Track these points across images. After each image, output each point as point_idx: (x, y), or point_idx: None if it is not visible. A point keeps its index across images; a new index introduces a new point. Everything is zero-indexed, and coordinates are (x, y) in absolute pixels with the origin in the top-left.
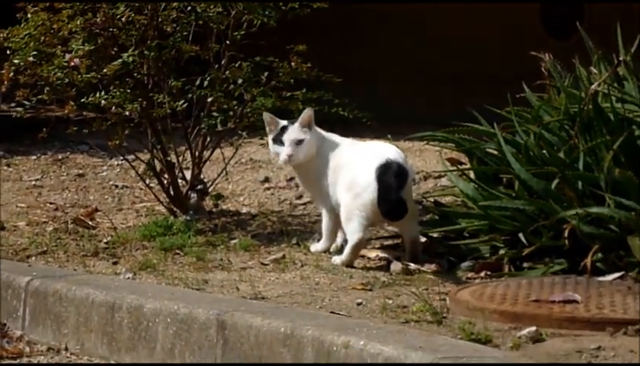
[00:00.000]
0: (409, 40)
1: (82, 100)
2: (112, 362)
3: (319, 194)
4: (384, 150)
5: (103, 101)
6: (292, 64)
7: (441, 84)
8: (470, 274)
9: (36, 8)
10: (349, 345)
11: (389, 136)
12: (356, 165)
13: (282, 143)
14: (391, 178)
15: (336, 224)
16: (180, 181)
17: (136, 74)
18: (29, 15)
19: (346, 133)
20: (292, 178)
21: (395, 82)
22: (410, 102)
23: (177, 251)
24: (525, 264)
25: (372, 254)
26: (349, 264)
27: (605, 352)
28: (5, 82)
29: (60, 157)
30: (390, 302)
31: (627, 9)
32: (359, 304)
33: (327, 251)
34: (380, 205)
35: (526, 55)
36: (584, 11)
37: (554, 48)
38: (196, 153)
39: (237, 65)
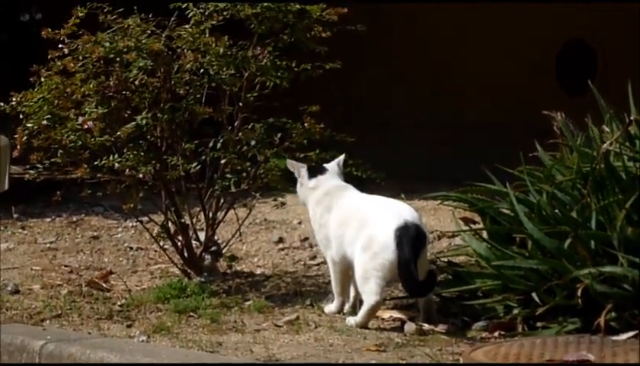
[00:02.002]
0: (421, 92)
1: (96, 162)
2: None
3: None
4: (401, 210)
5: (116, 164)
6: (306, 125)
7: (453, 141)
8: (484, 334)
9: (49, 72)
10: None
11: (403, 195)
12: (372, 223)
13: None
14: (410, 247)
15: (345, 277)
16: (194, 242)
17: (149, 136)
18: (42, 79)
19: (361, 190)
20: (306, 239)
21: (409, 139)
22: (423, 158)
23: (192, 313)
24: (539, 324)
25: (386, 315)
26: (364, 325)
27: None
28: (19, 147)
29: (75, 219)
30: (404, 363)
31: None
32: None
33: (341, 311)
34: (405, 285)
35: (541, 113)
36: (597, 69)
37: (568, 105)
38: (210, 214)
39: (250, 126)
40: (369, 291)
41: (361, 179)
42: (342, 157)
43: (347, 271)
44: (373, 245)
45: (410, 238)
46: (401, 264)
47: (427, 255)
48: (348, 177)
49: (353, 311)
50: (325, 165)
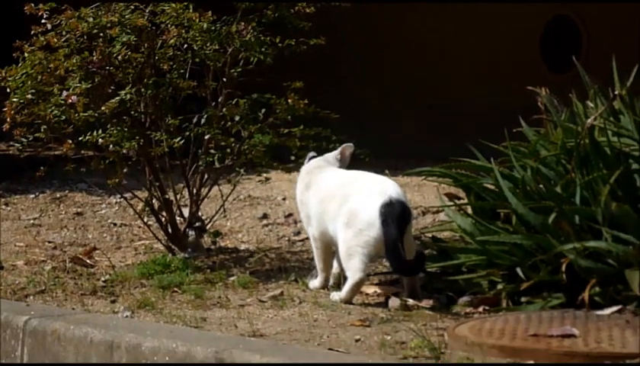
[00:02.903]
0: (405, 73)
1: (80, 138)
2: None
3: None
4: (385, 186)
5: (100, 140)
6: (289, 101)
7: (439, 118)
8: (468, 309)
9: (33, 48)
10: None
11: (387, 171)
12: (355, 199)
13: None
14: (396, 224)
15: (327, 253)
16: (178, 218)
17: (133, 112)
18: (26, 54)
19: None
20: (290, 215)
21: (394, 117)
22: (409, 137)
23: (176, 289)
24: (523, 299)
25: (371, 290)
26: (348, 301)
27: None
28: (9, 119)
29: (59, 195)
30: (388, 338)
31: (625, 42)
32: (357, 341)
33: (325, 286)
34: (393, 264)
35: (525, 89)
36: (582, 45)
37: (553, 82)
38: (194, 191)
39: (234, 102)
40: (354, 268)
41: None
42: (348, 149)
43: (329, 247)
44: (357, 222)
45: (395, 215)
46: (388, 243)
47: (412, 232)
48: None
49: (337, 287)
50: (327, 154)
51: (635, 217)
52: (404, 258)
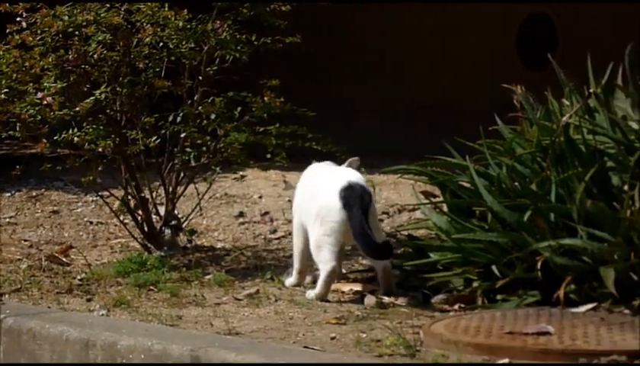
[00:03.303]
0: (382, 72)
1: (55, 137)
2: None
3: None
4: (342, 173)
5: (76, 138)
6: (265, 99)
7: (416, 116)
8: (444, 307)
9: (7, 46)
10: None
11: (363, 169)
12: (319, 192)
13: None
14: (358, 205)
15: (304, 252)
16: (154, 216)
17: (108, 110)
18: (1, 53)
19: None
20: (266, 213)
21: (370, 116)
22: (385, 135)
23: (152, 287)
24: (499, 297)
25: (346, 288)
26: (323, 296)
27: None
28: None
29: (35, 194)
30: (364, 336)
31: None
32: (333, 338)
33: (300, 284)
34: (362, 244)
35: (502, 87)
36: (558, 43)
37: (529, 79)
38: (170, 189)
39: (210, 100)
40: (324, 259)
41: (322, 155)
42: (354, 163)
43: (306, 244)
44: (321, 212)
45: (355, 197)
46: (355, 225)
47: (377, 217)
48: (310, 152)
49: (313, 284)
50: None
51: (610, 215)
52: (374, 240)
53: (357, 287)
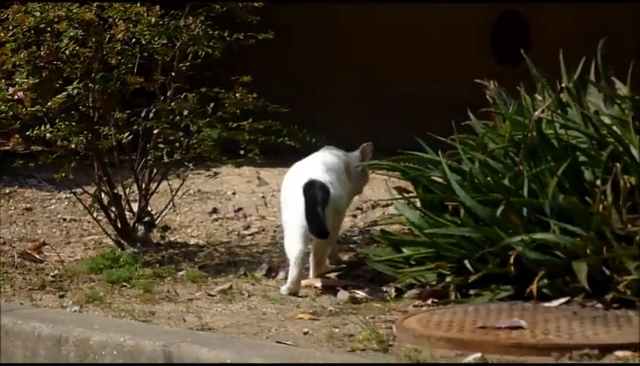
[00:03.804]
0: (356, 67)
1: (27, 133)
2: None
3: None
4: (305, 170)
5: (48, 134)
6: (238, 95)
7: (389, 112)
8: (417, 302)
9: None
10: None
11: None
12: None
13: None
14: (318, 193)
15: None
16: (127, 213)
17: (81, 107)
18: None
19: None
20: (240, 209)
21: (344, 110)
22: (357, 131)
23: (124, 283)
24: (471, 291)
25: (319, 283)
26: (295, 288)
27: None
28: None
29: (8, 191)
30: (337, 331)
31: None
32: (305, 333)
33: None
34: (310, 225)
35: (474, 82)
36: (531, 38)
37: (503, 75)
38: (143, 185)
39: (183, 96)
40: (292, 245)
41: (295, 151)
42: (368, 148)
43: None
44: (292, 203)
45: (316, 189)
46: (308, 206)
47: (333, 216)
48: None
49: (285, 280)
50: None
51: (583, 209)
52: (322, 219)
53: (330, 283)
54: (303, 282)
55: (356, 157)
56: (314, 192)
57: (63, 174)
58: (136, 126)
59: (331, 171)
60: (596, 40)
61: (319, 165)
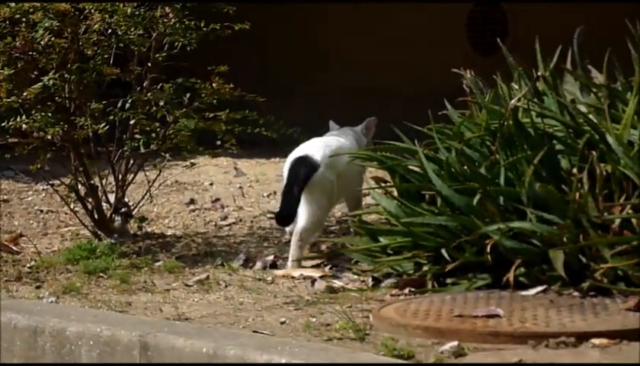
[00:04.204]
0: (333, 58)
1: (3, 124)
2: None
3: None
4: (306, 146)
5: (24, 125)
6: (215, 85)
7: (365, 101)
8: (394, 291)
9: None
10: (271, 363)
11: None
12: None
13: None
14: (294, 175)
15: None
16: (104, 204)
17: (57, 97)
18: None
19: (272, 152)
20: (217, 200)
21: (321, 100)
22: (337, 120)
23: (101, 274)
24: (448, 280)
25: (297, 273)
26: (296, 263)
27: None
28: None
29: None
30: (314, 320)
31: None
32: (282, 323)
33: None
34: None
35: (451, 71)
36: (509, 28)
37: (479, 64)
38: (120, 176)
39: (159, 87)
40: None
41: (272, 142)
42: (372, 122)
43: None
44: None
45: (301, 166)
46: (286, 184)
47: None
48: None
49: (264, 270)
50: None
51: (559, 197)
52: (287, 204)
53: (308, 273)
54: (280, 272)
55: (360, 131)
56: (298, 169)
57: (39, 166)
58: (112, 117)
59: (333, 151)
60: (573, 28)
61: (320, 143)
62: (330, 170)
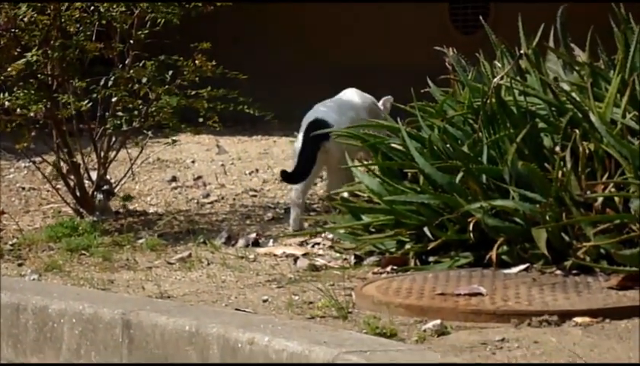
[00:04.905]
0: (316, 36)
1: None
2: (17, 363)
3: None
4: (316, 107)
5: (7, 103)
6: (197, 62)
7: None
8: (376, 269)
9: None
10: (254, 341)
11: (295, 133)
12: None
13: None
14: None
15: None
16: (86, 182)
17: (39, 75)
18: None
19: (254, 130)
20: (199, 177)
21: (305, 80)
22: (316, 99)
23: (83, 251)
24: (431, 259)
25: (279, 251)
26: (296, 226)
27: (509, 343)
28: None
29: None
30: (296, 298)
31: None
32: (265, 301)
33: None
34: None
35: (434, 49)
36: (490, 8)
37: (462, 43)
38: (102, 154)
39: (141, 64)
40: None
41: (254, 119)
42: (388, 102)
43: None
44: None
45: (312, 130)
46: (303, 146)
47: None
48: (242, 116)
49: (246, 248)
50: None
51: (542, 176)
52: (299, 166)
53: (290, 251)
54: (262, 250)
55: (376, 102)
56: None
57: (25, 144)
58: (94, 94)
59: (346, 112)
60: (556, 6)
61: (334, 104)
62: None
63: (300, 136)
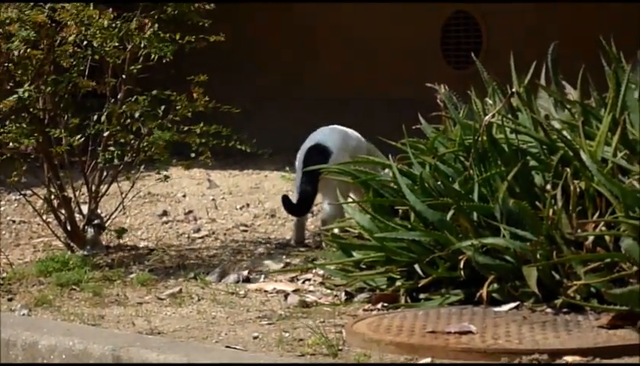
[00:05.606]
0: (307, 70)
1: None
2: None
3: None
4: (316, 134)
5: None
6: (194, 95)
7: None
8: (367, 306)
9: None
10: None
11: (287, 168)
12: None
13: None
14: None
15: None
16: (77, 216)
17: (32, 109)
18: None
19: (244, 164)
20: (190, 212)
21: (295, 113)
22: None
23: (74, 286)
24: (421, 296)
25: (270, 287)
26: (298, 238)
27: None
28: None
29: None
30: (286, 335)
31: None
32: (255, 338)
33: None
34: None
35: (425, 87)
36: (482, 42)
37: (453, 78)
38: (93, 188)
39: (134, 99)
40: None
41: (246, 153)
42: None
43: None
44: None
45: (312, 155)
46: (303, 175)
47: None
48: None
49: (237, 284)
50: None
51: (533, 214)
52: (301, 200)
53: (281, 287)
54: (252, 286)
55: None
56: (313, 158)
57: (16, 178)
58: (87, 130)
59: (346, 142)
60: (547, 43)
61: (335, 132)
62: (343, 153)
63: (298, 163)
